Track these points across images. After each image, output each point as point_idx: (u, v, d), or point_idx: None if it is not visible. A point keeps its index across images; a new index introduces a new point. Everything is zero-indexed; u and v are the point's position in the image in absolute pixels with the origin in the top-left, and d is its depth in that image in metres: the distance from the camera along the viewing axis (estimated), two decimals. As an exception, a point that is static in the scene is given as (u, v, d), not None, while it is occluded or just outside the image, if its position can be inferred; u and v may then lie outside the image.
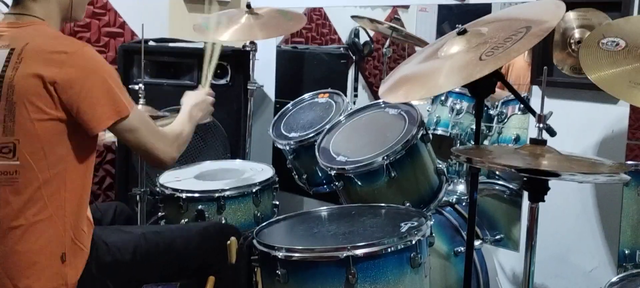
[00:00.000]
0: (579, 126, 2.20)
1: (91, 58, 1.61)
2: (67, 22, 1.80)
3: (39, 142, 1.58)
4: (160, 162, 1.76)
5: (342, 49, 3.34)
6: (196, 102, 2.02)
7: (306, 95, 2.81)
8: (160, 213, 2.30)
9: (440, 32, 2.90)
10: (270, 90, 3.38)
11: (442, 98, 2.78)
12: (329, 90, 2.76)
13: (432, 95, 2.74)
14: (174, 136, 1.83)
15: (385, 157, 2.02)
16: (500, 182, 2.66)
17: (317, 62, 3.27)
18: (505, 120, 2.69)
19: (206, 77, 2.15)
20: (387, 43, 2.96)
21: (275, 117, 2.78)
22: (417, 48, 3.07)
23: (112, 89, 1.61)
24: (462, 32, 1.76)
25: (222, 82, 2.96)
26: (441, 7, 2.99)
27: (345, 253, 1.57)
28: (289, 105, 2.80)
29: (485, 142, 2.68)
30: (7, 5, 2.31)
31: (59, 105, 1.57)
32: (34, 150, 1.58)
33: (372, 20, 3.11)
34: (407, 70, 1.93)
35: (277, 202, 2.42)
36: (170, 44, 3.05)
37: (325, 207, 2.03)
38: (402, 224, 1.74)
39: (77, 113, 1.58)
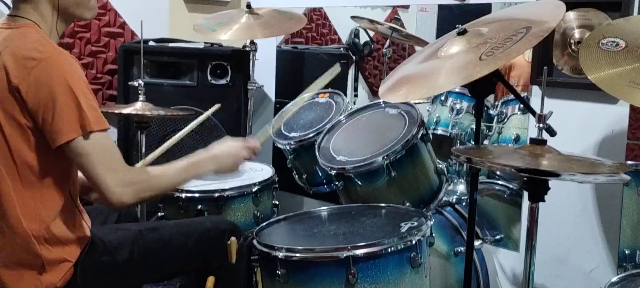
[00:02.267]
0: (579, 126, 2.20)
1: (61, 67, 1.52)
2: (70, 22, 1.73)
3: (8, 148, 1.53)
4: (106, 201, 1.57)
5: (342, 49, 3.34)
6: (222, 153, 1.82)
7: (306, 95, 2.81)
8: (160, 214, 2.31)
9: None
10: (270, 90, 3.38)
11: (442, 98, 2.78)
12: (329, 90, 2.75)
13: (432, 95, 2.74)
14: (134, 177, 1.63)
15: (385, 157, 2.02)
16: (500, 182, 2.66)
17: (317, 62, 3.27)
18: (505, 120, 2.68)
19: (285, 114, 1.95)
20: (387, 43, 2.96)
21: (275, 117, 2.78)
22: (417, 48, 3.06)
23: (77, 101, 1.50)
24: (462, 32, 1.76)
25: (222, 82, 2.96)
26: (441, 7, 2.99)
27: (345, 253, 1.57)
28: (289, 105, 2.80)
29: (485, 142, 2.68)
30: (7, 6, 2.29)
31: (25, 111, 1.51)
32: (4, 156, 1.54)
33: (372, 21, 3.11)
34: (407, 70, 1.93)
35: (277, 202, 2.42)
36: (170, 44, 3.04)
37: (325, 207, 2.03)
38: (402, 224, 1.74)
39: (42, 122, 1.50)
